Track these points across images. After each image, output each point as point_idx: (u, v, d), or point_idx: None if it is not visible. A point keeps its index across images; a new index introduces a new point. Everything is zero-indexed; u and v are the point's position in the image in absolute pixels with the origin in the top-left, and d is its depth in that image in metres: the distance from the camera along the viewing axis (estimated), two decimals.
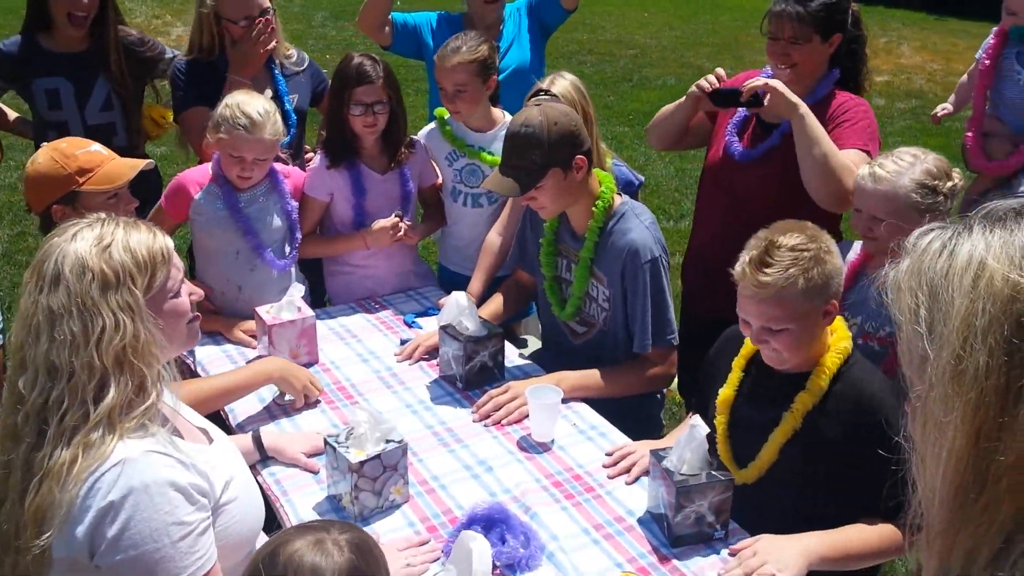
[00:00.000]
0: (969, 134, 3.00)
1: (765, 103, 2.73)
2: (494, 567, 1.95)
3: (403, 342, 2.99)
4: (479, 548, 1.65)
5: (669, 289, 2.70)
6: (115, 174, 2.38)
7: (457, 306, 2.69)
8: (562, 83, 3.01)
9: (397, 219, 3.17)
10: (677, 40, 12.38)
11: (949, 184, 2.42)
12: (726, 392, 2.25)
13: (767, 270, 2.01)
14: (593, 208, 2.69)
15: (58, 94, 3.35)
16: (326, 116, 3.22)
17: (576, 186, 2.63)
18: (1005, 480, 0.91)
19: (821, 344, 2.14)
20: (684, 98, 2.97)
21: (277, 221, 3.10)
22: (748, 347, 2.25)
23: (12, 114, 3.64)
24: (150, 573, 1.58)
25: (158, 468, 1.60)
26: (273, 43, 3.28)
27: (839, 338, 2.15)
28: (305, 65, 3.51)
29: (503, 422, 2.55)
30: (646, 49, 11.85)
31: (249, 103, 2.90)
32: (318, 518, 2.14)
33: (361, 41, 9.91)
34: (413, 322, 3.14)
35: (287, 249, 3.15)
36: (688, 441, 2.06)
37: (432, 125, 3.39)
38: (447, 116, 3.32)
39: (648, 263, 2.64)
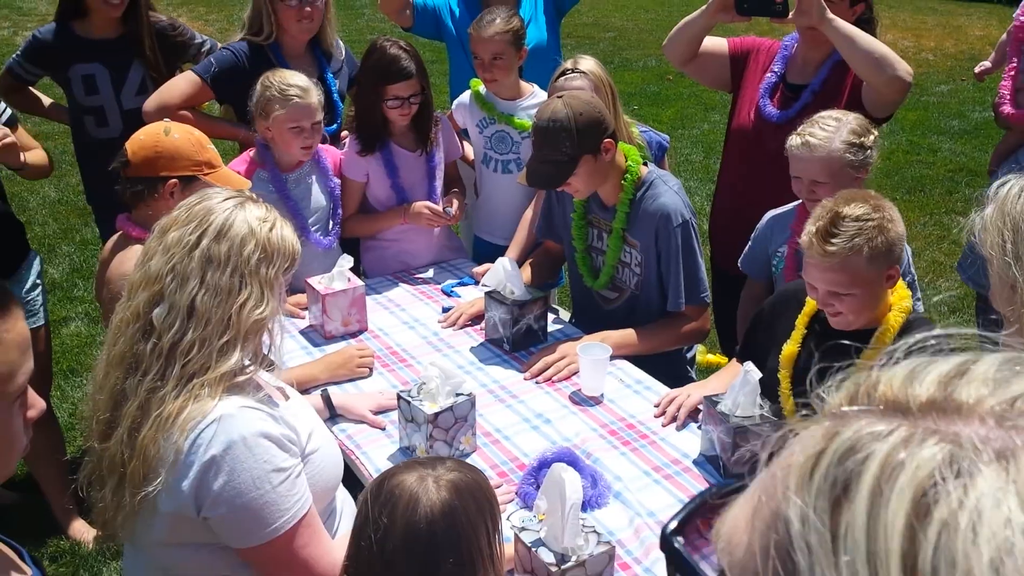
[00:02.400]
0: (1005, 83, 3.15)
1: (790, 15, 2.86)
2: None
3: (445, 310, 3.13)
4: (571, 478, 1.79)
5: (700, 250, 2.86)
6: (233, 180, 2.50)
7: (504, 271, 2.83)
8: (587, 62, 3.16)
9: (443, 214, 3.29)
10: (653, 22, 12.52)
11: (872, 137, 2.60)
12: (790, 348, 2.34)
13: (833, 240, 2.09)
14: (622, 181, 2.82)
15: (94, 79, 3.42)
16: (357, 104, 3.30)
17: (606, 167, 2.75)
18: None
19: (884, 303, 2.24)
20: (706, 5, 3.04)
21: (321, 199, 3.22)
22: (811, 305, 2.33)
23: (47, 100, 3.70)
24: (256, 518, 1.69)
25: (252, 421, 1.70)
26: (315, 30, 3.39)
27: (900, 296, 2.25)
28: (344, 55, 3.62)
29: (554, 379, 2.70)
30: (624, 31, 12.00)
31: (287, 75, 3.01)
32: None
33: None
34: (452, 291, 3.27)
35: (330, 225, 3.26)
36: (742, 386, 2.21)
37: (467, 95, 3.56)
38: (481, 87, 3.47)
39: (679, 226, 2.78)
